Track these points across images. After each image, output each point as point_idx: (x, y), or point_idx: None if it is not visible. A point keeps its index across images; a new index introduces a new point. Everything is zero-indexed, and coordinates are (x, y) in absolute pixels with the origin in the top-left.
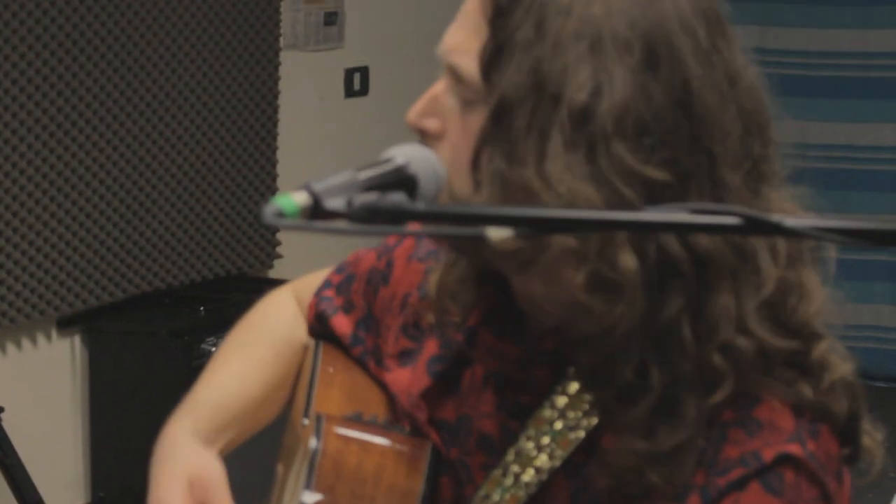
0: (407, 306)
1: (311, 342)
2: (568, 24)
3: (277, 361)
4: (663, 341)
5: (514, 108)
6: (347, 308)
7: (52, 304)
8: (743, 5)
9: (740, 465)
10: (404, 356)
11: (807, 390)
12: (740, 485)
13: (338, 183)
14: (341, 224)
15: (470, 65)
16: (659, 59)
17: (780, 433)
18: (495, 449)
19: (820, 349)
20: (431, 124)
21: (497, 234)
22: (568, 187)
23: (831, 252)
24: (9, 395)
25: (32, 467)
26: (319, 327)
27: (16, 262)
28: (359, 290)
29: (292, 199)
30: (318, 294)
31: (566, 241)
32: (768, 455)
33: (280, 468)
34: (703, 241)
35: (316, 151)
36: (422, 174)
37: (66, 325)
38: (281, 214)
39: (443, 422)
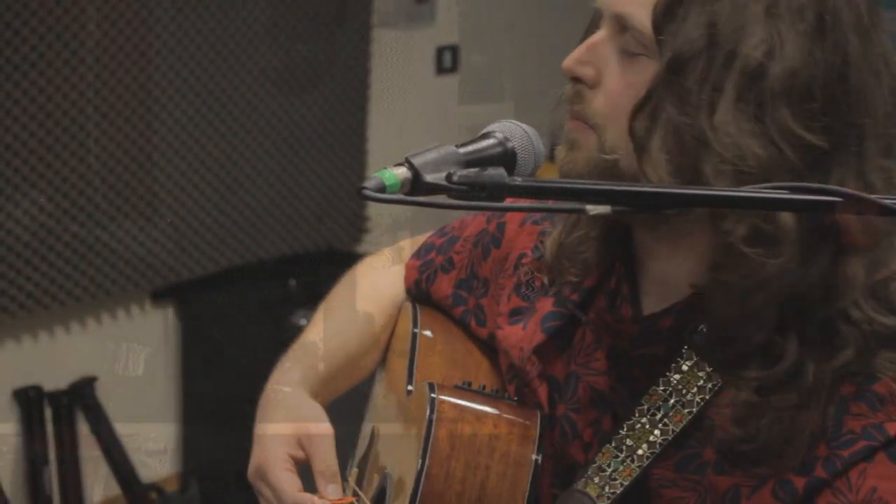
0: (520, 266)
1: (409, 305)
2: None
3: (378, 318)
4: (797, 304)
5: (690, 61)
6: (447, 268)
7: (146, 277)
8: None
9: (864, 438)
10: (516, 314)
11: None
12: (867, 456)
13: (437, 157)
14: (441, 198)
15: (643, 15)
16: (826, 29)
17: None
18: (606, 405)
19: None
20: (588, 72)
21: (596, 210)
22: (735, 141)
23: None
24: (103, 366)
25: (125, 437)
26: (416, 290)
27: (112, 236)
28: (462, 250)
29: (393, 172)
30: (419, 255)
31: None
32: (893, 429)
33: (370, 427)
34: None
35: (405, 128)
36: (521, 150)
37: (159, 297)
38: (383, 188)
39: (552, 377)
